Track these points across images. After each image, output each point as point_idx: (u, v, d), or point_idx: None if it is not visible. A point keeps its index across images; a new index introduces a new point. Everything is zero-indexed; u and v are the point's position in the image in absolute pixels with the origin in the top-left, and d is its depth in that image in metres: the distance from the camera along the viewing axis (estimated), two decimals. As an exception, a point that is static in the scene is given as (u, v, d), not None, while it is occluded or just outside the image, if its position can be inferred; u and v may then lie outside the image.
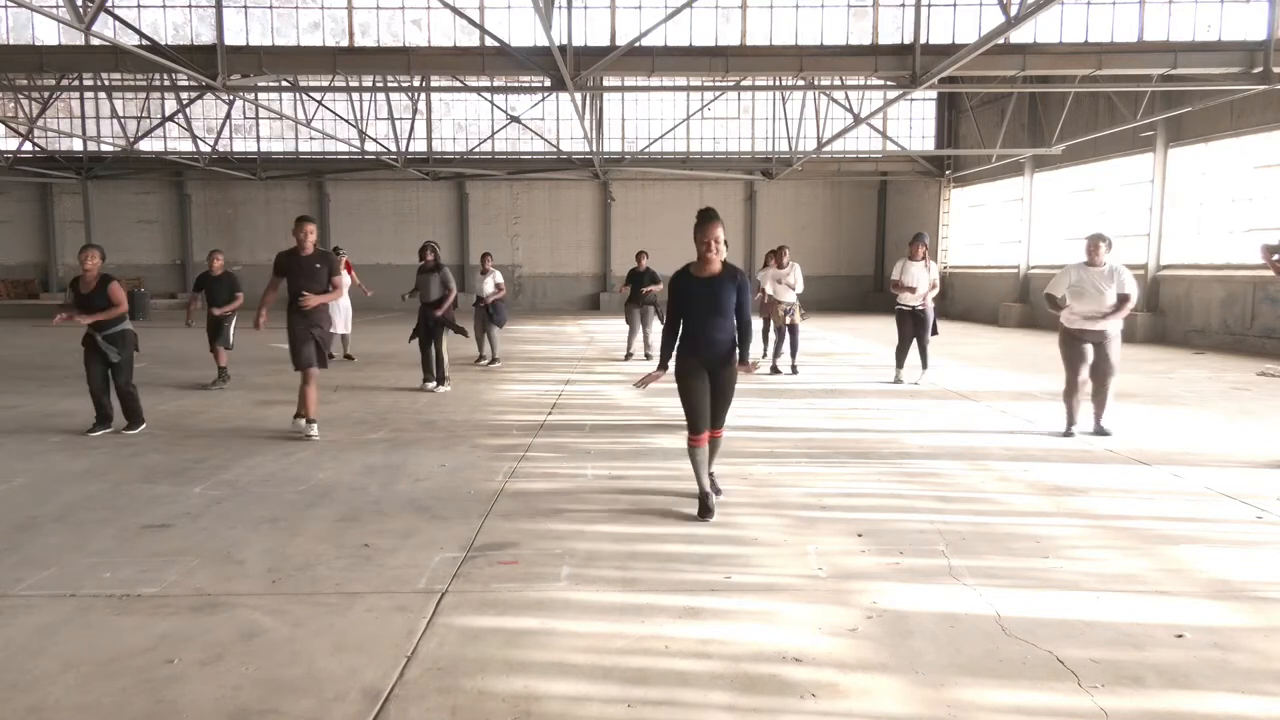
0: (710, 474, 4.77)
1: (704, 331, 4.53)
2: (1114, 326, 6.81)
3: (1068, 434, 6.97)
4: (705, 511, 4.60)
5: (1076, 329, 6.83)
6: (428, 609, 3.34)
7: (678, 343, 4.67)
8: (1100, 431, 6.92)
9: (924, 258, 9.72)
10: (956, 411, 8.10)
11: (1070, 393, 6.98)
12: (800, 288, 10.58)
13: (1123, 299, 6.66)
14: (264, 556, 3.93)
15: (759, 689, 2.74)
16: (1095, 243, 6.71)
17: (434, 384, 9.41)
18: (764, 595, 3.52)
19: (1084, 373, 6.91)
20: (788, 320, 10.69)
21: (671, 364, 4.67)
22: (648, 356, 12.43)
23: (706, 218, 4.53)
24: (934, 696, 2.70)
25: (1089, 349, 6.83)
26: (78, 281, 6.82)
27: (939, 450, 6.35)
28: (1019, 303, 20.58)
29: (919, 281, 9.64)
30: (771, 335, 11.11)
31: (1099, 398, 6.92)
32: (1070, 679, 2.80)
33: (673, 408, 8.26)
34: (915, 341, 9.87)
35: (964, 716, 2.59)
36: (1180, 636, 3.13)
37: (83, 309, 6.73)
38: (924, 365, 9.99)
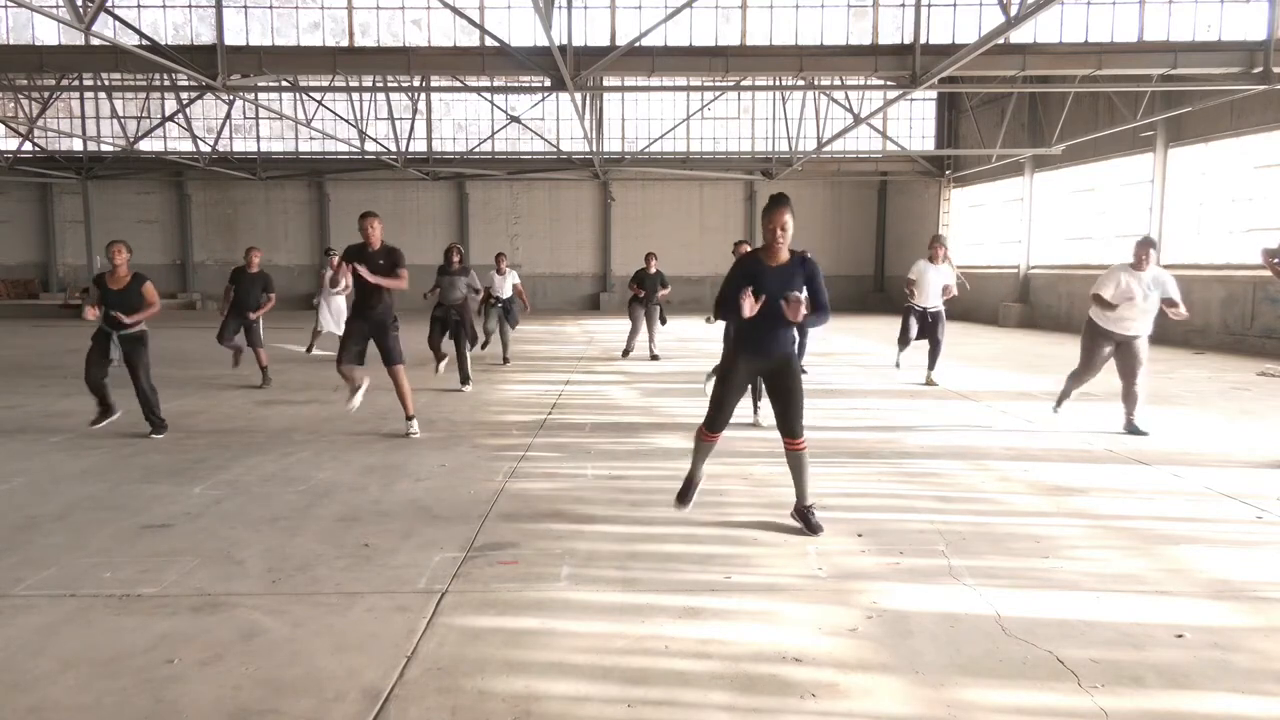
0: (806, 497, 4.39)
1: (764, 326, 4.16)
2: (1144, 329, 6.78)
3: (1055, 409, 7.20)
4: (683, 496, 4.48)
5: (1106, 327, 6.81)
6: (428, 609, 3.34)
7: (733, 336, 4.36)
8: (1133, 430, 6.84)
9: (945, 259, 9.66)
10: (957, 411, 8.09)
11: (1076, 376, 7.02)
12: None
13: (1170, 304, 6.60)
14: (264, 556, 3.93)
15: (759, 689, 2.74)
16: (1145, 248, 6.60)
17: (442, 372, 9.82)
18: (764, 595, 3.52)
19: (1097, 369, 6.92)
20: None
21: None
22: (653, 356, 12.44)
23: (776, 202, 4.19)
24: (934, 696, 2.70)
25: (1110, 349, 6.83)
26: (104, 278, 6.60)
27: (939, 450, 6.35)
28: (1019, 303, 20.58)
29: (933, 284, 9.57)
30: None
31: (1129, 397, 6.88)
32: (1070, 679, 2.80)
33: (673, 407, 8.30)
34: (928, 342, 9.79)
35: (964, 716, 2.59)
36: (1180, 636, 3.13)
37: (113, 306, 6.46)
38: (931, 365, 9.93)
